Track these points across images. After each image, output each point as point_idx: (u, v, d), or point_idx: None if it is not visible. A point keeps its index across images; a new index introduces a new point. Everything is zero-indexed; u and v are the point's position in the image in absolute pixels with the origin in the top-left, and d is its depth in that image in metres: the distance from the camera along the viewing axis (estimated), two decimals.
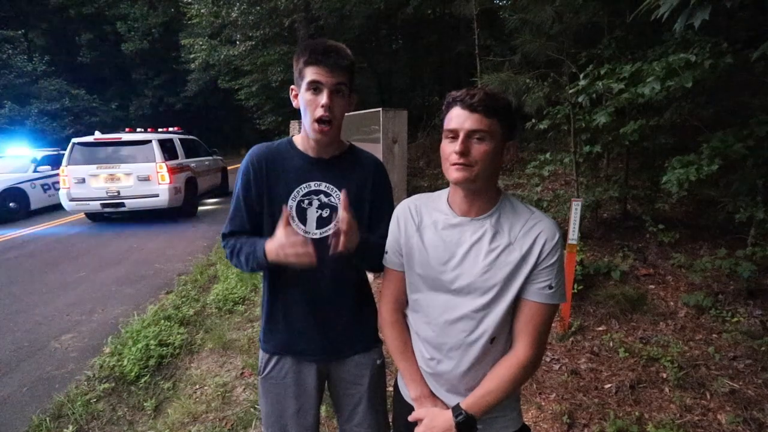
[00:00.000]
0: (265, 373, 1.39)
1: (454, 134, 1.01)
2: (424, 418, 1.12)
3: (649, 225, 4.04)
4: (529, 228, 1.04)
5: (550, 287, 1.03)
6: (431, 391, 1.17)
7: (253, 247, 1.22)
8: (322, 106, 1.16)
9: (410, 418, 1.15)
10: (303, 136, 1.31)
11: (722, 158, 2.95)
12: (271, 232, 1.29)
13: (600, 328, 3.28)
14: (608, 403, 2.51)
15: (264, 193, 1.29)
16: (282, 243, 1.11)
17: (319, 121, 1.18)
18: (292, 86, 1.26)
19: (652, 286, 3.69)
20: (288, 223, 1.13)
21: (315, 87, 1.16)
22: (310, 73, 1.16)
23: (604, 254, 4.22)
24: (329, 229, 1.28)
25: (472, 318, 1.06)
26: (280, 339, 1.36)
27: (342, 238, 1.10)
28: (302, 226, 1.28)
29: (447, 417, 1.08)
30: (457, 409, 1.07)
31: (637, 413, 2.39)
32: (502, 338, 1.08)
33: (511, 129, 1.03)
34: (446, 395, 1.14)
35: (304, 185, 1.28)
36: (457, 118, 1.00)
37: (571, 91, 3.57)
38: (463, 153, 0.99)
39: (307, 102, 1.18)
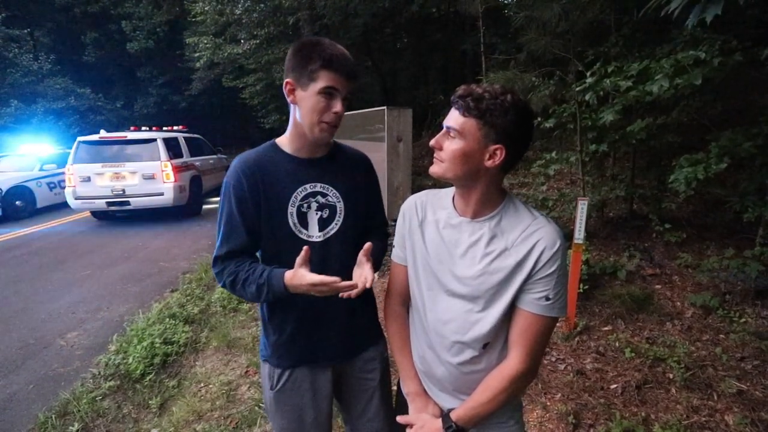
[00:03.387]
0: (279, 386, 1.34)
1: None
2: (414, 423, 1.12)
3: (655, 224, 4.01)
4: (528, 234, 0.99)
5: (547, 299, 0.97)
6: (424, 390, 1.17)
7: (266, 279, 1.15)
8: (336, 113, 1.16)
9: (400, 420, 1.15)
10: (292, 138, 1.26)
11: (730, 157, 2.92)
12: (270, 243, 1.26)
13: (606, 328, 3.26)
14: (614, 403, 2.49)
15: (261, 203, 1.22)
16: (314, 282, 1.07)
17: (328, 123, 1.17)
18: (287, 80, 1.18)
19: (659, 286, 3.66)
20: (305, 262, 1.10)
21: (330, 93, 1.14)
22: (328, 78, 1.13)
23: (610, 254, 4.20)
24: (331, 230, 1.27)
25: (464, 321, 1.04)
26: (294, 352, 1.32)
27: (356, 291, 1.10)
28: (305, 231, 1.25)
29: (437, 427, 1.07)
30: (447, 420, 1.06)
31: (643, 414, 2.38)
32: (496, 346, 1.05)
33: (504, 132, 0.93)
34: (438, 394, 1.14)
35: (300, 188, 1.24)
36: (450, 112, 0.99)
37: (577, 89, 3.55)
38: (434, 146, 1.00)
39: (317, 105, 1.15)
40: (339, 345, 1.35)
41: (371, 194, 1.39)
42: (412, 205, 1.18)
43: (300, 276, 1.08)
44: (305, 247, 1.09)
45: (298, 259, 1.09)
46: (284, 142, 1.28)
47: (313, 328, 1.31)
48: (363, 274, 1.06)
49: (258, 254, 1.31)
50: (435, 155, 1.01)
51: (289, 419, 1.35)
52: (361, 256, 1.14)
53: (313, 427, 1.36)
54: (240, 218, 1.22)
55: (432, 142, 1.00)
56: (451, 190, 1.14)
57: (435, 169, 1.02)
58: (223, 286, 1.24)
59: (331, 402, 1.41)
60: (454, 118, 0.96)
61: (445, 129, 0.99)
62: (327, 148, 1.32)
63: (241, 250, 1.23)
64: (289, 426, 1.36)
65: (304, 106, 1.17)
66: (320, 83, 1.13)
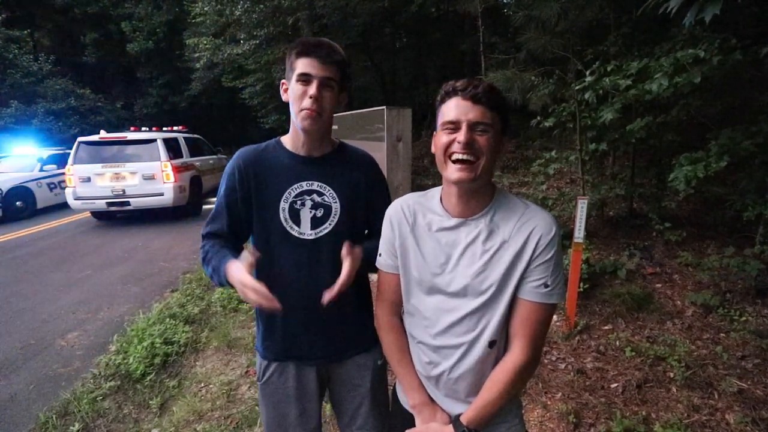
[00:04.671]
0: (265, 378, 1.36)
1: (455, 125, 0.95)
2: None
3: (655, 223, 4.01)
4: (523, 222, 0.99)
5: (546, 285, 0.98)
6: (430, 399, 1.13)
7: (219, 263, 1.17)
8: (311, 97, 1.15)
9: None
10: (291, 135, 1.29)
11: (730, 155, 2.92)
12: (261, 235, 1.28)
13: (606, 327, 3.26)
14: (615, 402, 2.49)
15: (252, 198, 1.26)
16: (244, 283, 1.05)
17: (307, 110, 1.17)
18: (282, 80, 1.25)
19: (659, 285, 3.66)
20: (252, 266, 1.08)
21: (305, 79, 1.15)
22: (301, 65, 1.15)
23: (610, 253, 4.20)
24: (324, 229, 1.26)
25: (469, 320, 1.02)
26: (280, 345, 1.33)
27: (338, 289, 1.10)
28: (296, 228, 1.25)
29: None
30: (458, 425, 1.04)
31: (643, 413, 2.38)
32: (502, 342, 1.04)
33: (507, 124, 1.01)
34: (445, 400, 1.11)
35: (295, 185, 1.25)
36: (458, 108, 0.95)
37: (577, 88, 3.55)
38: (468, 144, 0.93)
39: (296, 93, 1.17)
40: (326, 346, 1.33)
41: (373, 197, 1.34)
42: (399, 210, 1.14)
43: (236, 269, 1.08)
44: (246, 252, 1.09)
45: (245, 258, 1.08)
46: (286, 139, 1.31)
47: (300, 325, 1.30)
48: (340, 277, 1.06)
49: (251, 241, 1.33)
50: (461, 153, 0.95)
51: (274, 412, 1.36)
52: (343, 254, 1.12)
53: (297, 423, 1.35)
54: (225, 206, 1.28)
55: (463, 138, 0.94)
56: (435, 191, 1.11)
57: (469, 174, 0.96)
58: (201, 261, 1.29)
59: (319, 402, 1.39)
60: (480, 113, 0.94)
61: (467, 125, 0.94)
62: (330, 147, 1.31)
63: (220, 233, 1.29)
64: (273, 419, 1.36)
65: (290, 99, 1.21)
66: (297, 71, 1.16)
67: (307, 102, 1.15)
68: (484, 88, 0.94)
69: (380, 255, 1.18)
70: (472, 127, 0.94)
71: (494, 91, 0.96)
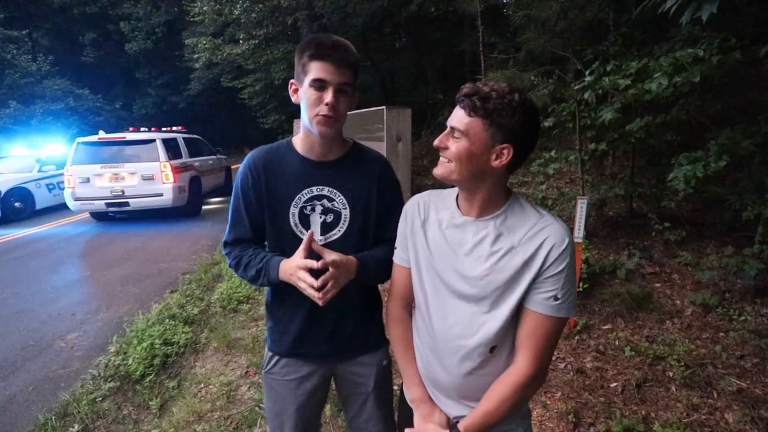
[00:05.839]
0: (268, 368, 1.38)
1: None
2: None
3: (655, 223, 4.01)
4: (535, 232, 0.96)
5: (556, 298, 0.94)
6: (429, 396, 1.13)
7: (264, 264, 1.21)
8: (326, 104, 1.11)
9: None
10: (303, 137, 1.26)
11: (730, 155, 2.92)
12: (273, 239, 1.29)
13: (606, 327, 3.26)
14: (614, 401, 2.49)
15: (264, 200, 1.25)
16: (297, 266, 1.11)
17: (324, 116, 1.14)
18: (291, 80, 1.20)
19: (658, 285, 3.66)
20: (309, 248, 1.11)
21: (319, 85, 1.11)
22: (315, 70, 1.10)
23: (610, 252, 4.20)
24: (334, 234, 1.26)
25: (470, 323, 1.00)
26: (286, 342, 1.34)
27: (330, 292, 1.11)
28: (306, 232, 1.24)
29: None
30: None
31: (643, 412, 2.38)
32: (504, 349, 1.02)
33: (511, 132, 0.91)
34: (444, 401, 1.10)
35: (306, 190, 1.24)
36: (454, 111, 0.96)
37: (576, 88, 3.55)
38: (440, 147, 0.97)
39: (310, 99, 1.13)
40: (330, 346, 1.33)
41: (384, 203, 1.30)
42: (415, 205, 1.15)
43: (294, 257, 1.13)
44: (310, 232, 1.13)
45: (302, 244, 1.12)
46: (297, 141, 1.29)
47: (306, 326, 1.31)
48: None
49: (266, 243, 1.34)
50: (441, 155, 0.98)
51: (273, 404, 1.38)
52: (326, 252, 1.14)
53: (293, 417, 1.35)
54: (244, 211, 1.28)
55: (436, 142, 0.97)
56: (454, 190, 1.10)
57: (440, 171, 0.98)
58: (230, 266, 1.31)
59: (318, 400, 1.41)
60: (458, 118, 0.93)
61: (449, 129, 0.95)
62: (343, 149, 1.29)
63: (247, 238, 1.30)
64: (272, 410, 1.39)
65: (303, 102, 1.16)
66: (310, 75, 1.11)
67: (323, 109, 1.12)
68: (465, 92, 0.93)
69: (396, 248, 1.20)
70: (452, 130, 0.95)
71: (481, 96, 0.90)
